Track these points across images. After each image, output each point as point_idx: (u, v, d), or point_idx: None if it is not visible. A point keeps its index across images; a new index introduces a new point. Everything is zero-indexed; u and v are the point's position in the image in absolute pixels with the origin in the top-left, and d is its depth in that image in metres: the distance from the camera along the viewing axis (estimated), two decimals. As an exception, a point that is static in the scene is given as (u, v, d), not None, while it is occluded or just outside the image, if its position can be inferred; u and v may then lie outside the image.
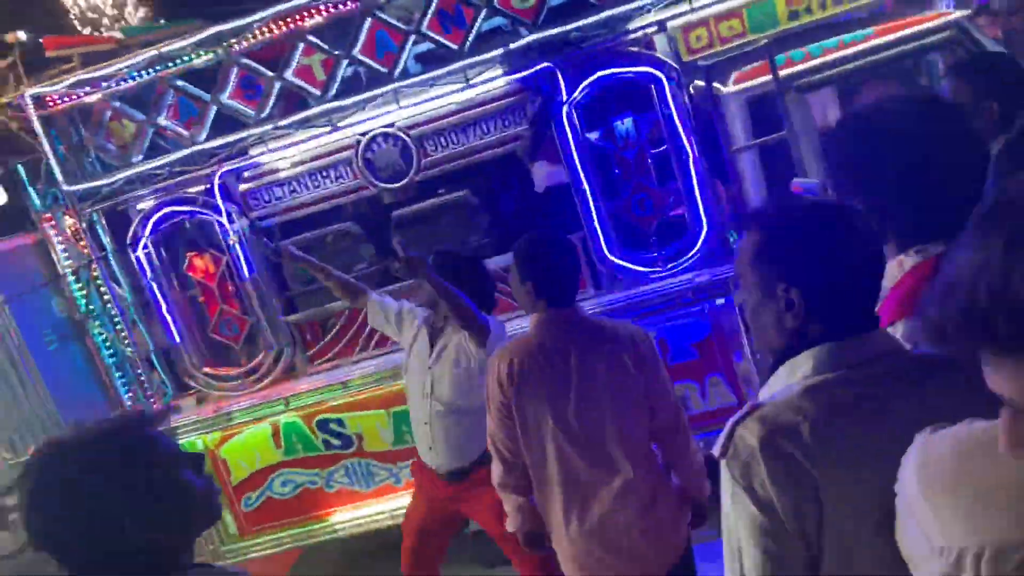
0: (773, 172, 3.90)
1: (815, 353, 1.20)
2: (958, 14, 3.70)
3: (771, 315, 1.25)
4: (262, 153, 4.15)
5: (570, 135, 3.89)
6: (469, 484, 3.18)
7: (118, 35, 4.12)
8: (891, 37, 3.70)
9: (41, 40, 4.01)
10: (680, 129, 3.81)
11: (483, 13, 3.81)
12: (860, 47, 3.71)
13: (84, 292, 4.31)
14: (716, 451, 1.19)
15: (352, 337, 4.31)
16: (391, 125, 4.06)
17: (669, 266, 3.98)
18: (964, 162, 1.41)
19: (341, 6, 3.88)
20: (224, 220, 4.19)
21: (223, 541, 4.44)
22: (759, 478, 1.12)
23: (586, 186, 3.93)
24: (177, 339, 4.36)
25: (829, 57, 3.75)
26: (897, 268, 1.42)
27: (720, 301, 3.86)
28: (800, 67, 3.72)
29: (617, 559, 2.33)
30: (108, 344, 4.39)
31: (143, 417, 1.48)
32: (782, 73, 3.71)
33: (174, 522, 1.40)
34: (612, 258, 4.00)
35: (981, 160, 1.53)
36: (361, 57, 3.93)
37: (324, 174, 4.20)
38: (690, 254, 3.93)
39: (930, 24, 3.65)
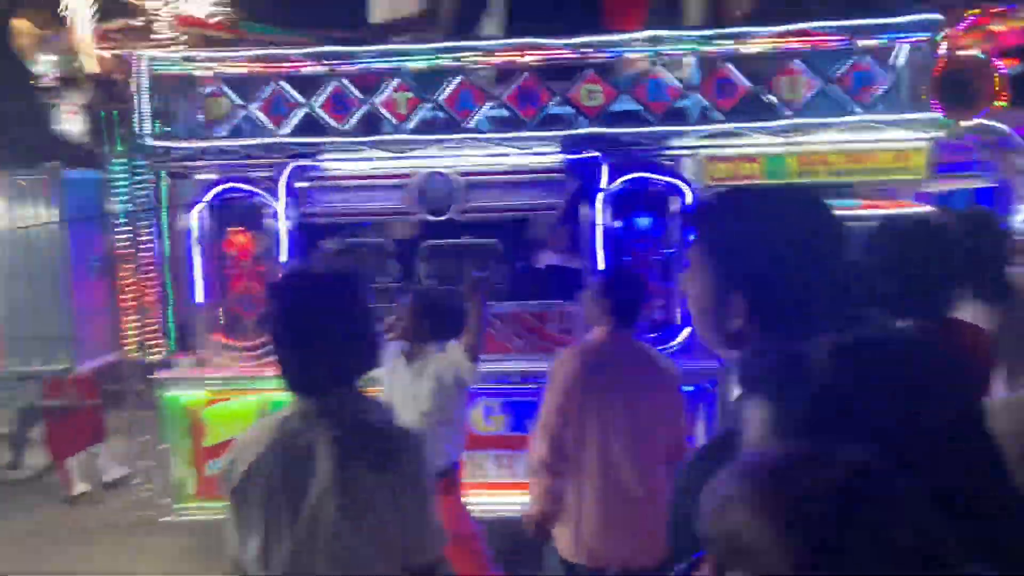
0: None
1: None
2: (922, 208, 4.54)
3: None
4: (332, 160, 4.69)
5: (599, 218, 4.53)
6: None
7: (240, 29, 4.71)
8: (875, 212, 4.50)
9: (174, 16, 4.59)
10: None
11: (556, 99, 4.53)
12: (850, 212, 4.49)
13: (128, 236, 4.68)
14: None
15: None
16: (450, 167, 4.67)
17: (653, 351, 4.53)
18: None
19: (440, 60, 4.57)
20: (280, 208, 4.66)
21: (179, 499, 4.62)
22: None
23: (601, 262, 4.53)
24: (200, 299, 4.71)
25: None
26: None
27: (689, 388, 4.41)
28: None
29: (626, 546, 2.74)
30: (131, 288, 4.71)
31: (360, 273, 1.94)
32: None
33: (364, 350, 1.79)
34: (606, 330, 4.54)
35: None
36: (443, 105, 4.58)
37: (377, 191, 4.75)
38: (672, 344, 4.51)
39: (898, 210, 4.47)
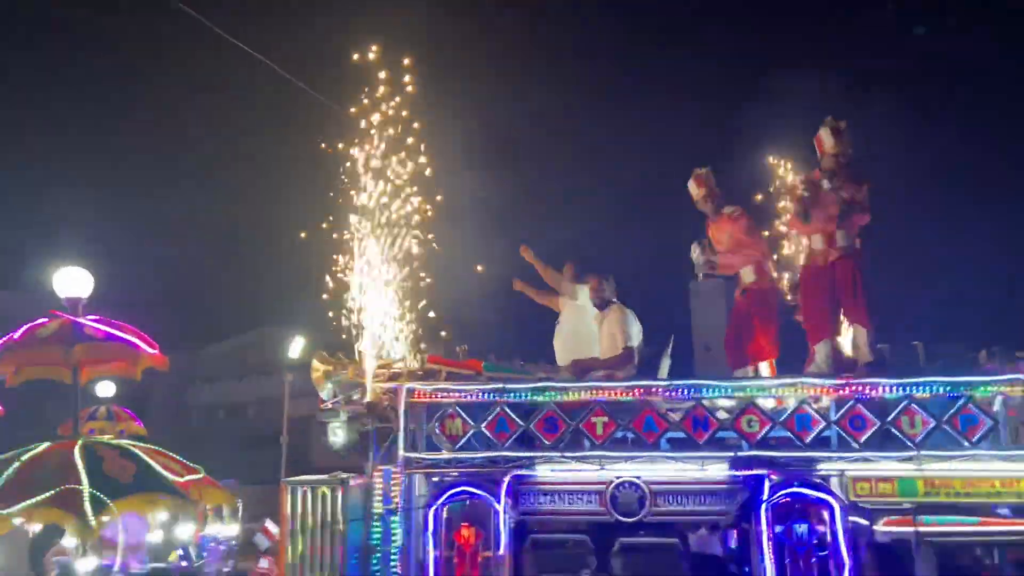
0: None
1: None
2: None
3: None
4: (544, 470, 5.91)
5: (764, 524, 5.60)
6: None
7: (479, 367, 6.19)
8: (991, 528, 5.51)
9: (428, 357, 6.10)
10: (841, 543, 5.50)
11: (721, 426, 5.80)
12: (970, 528, 5.51)
13: (379, 528, 5.83)
14: None
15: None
16: (638, 477, 5.85)
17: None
18: None
19: (631, 394, 5.93)
20: (501, 508, 5.82)
21: None
22: None
23: (768, 561, 5.53)
24: (431, 581, 5.74)
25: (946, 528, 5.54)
26: None
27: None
28: (932, 528, 5.50)
29: None
30: (377, 568, 5.79)
31: None
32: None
33: None
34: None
35: None
36: (632, 428, 5.87)
37: (579, 496, 5.91)
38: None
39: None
